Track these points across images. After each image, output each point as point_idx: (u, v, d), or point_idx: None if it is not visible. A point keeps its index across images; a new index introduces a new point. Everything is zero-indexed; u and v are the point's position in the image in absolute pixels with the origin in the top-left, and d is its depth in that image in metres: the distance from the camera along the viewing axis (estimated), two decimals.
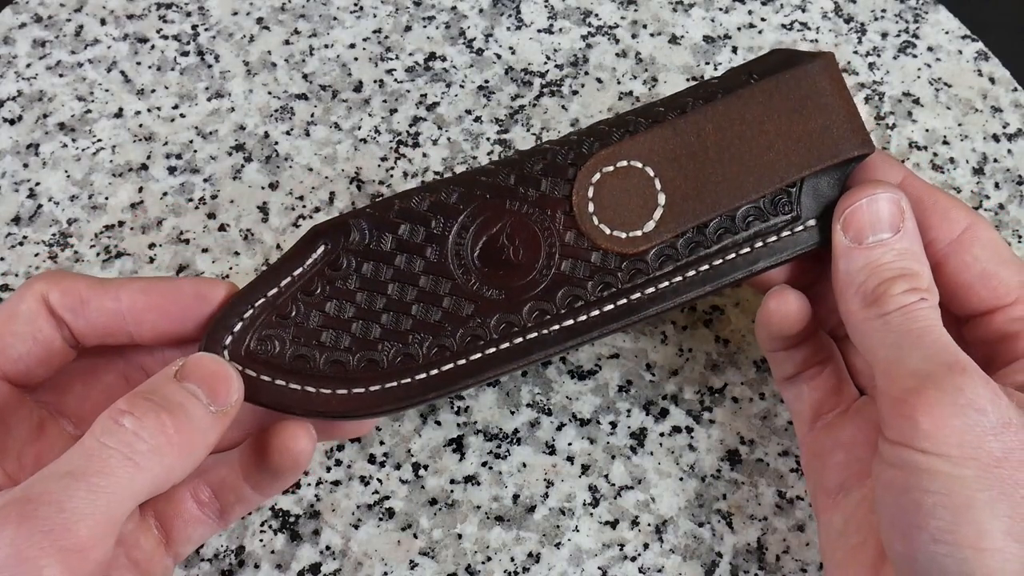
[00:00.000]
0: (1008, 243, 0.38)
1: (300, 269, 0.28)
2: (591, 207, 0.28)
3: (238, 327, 0.27)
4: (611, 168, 0.28)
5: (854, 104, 0.29)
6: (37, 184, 0.39)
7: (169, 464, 0.24)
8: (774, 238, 0.29)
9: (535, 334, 0.28)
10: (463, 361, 0.28)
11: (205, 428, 0.25)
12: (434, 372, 0.28)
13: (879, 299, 0.27)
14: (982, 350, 0.28)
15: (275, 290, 0.28)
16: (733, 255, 0.29)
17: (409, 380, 0.28)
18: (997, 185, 0.39)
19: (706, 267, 0.29)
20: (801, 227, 0.29)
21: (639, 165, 0.28)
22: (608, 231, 0.28)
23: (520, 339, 0.28)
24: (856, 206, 0.28)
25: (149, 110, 0.41)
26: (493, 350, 0.28)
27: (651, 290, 0.29)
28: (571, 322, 0.29)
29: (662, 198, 0.29)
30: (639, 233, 0.29)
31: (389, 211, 0.28)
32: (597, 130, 0.29)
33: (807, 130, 0.28)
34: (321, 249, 0.28)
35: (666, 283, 0.29)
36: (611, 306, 0.29)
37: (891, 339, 0.26)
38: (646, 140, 0.28)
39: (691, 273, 0.29)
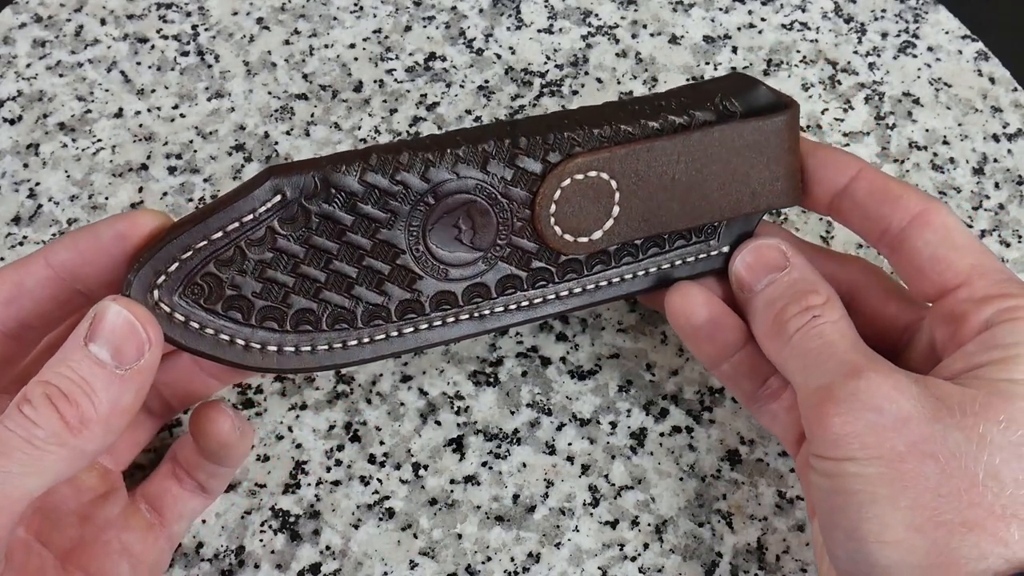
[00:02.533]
0: (1008, 242, 0.38)
1: (251, 216, 0.27)
2: (552, 208, 0.29)
3: (173, 267, 0.26)
4: (581, 176, 0.29)
5: (801, 159, 0.30)
6: (37, 184, 0.39)
7: (76, 445, 0.24)
8: (692, 259, 0.31)
9: (467, 316, 0.30)
10: (395, 333, 0.29)
11: (113, 397, 0.24)
12: (366, 340, 0.29)
13: (779, 328, 0.28)
14: (936, 336, 0.28)
15: (219, 234, 0.26)
16: (655, 268, 0.31)
17: (341, 345, 0.28)
18: (997, 185, 0.39)
19: (630, 276, 0.31)
20: (716, 252, 0.31)
21: (606, 178, 0.29)
22: (559, 232, 0.29)
23: (453, 318, 0.29)
24: (739, 262, 0.30)
25: (149, 110, 0.41)
26: (426, 326, 0.29)
27: (578, 289, 0.31)
28: (502, 309, 0.30)
29: (616, 211, 0.29)
30: (585, 239, 0.30)
31: (354, 171, 0.27)
32: (581, 124, 0.29)
33: (759, 177, 0.30)
34: (277, 199, 0.27)
35: (592, 285, 0.31)
36: (540, 299, 0.30)
37: (797, 362, 0.28)
38: (622, 156, 0.29)
39: (616, 279, 0.31)
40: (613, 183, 0.29)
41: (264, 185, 0.26)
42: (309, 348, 0.28)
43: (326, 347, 0.28)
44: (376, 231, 0.28)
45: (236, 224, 0.26)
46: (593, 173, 0.29)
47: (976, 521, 0.23)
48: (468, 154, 0.28)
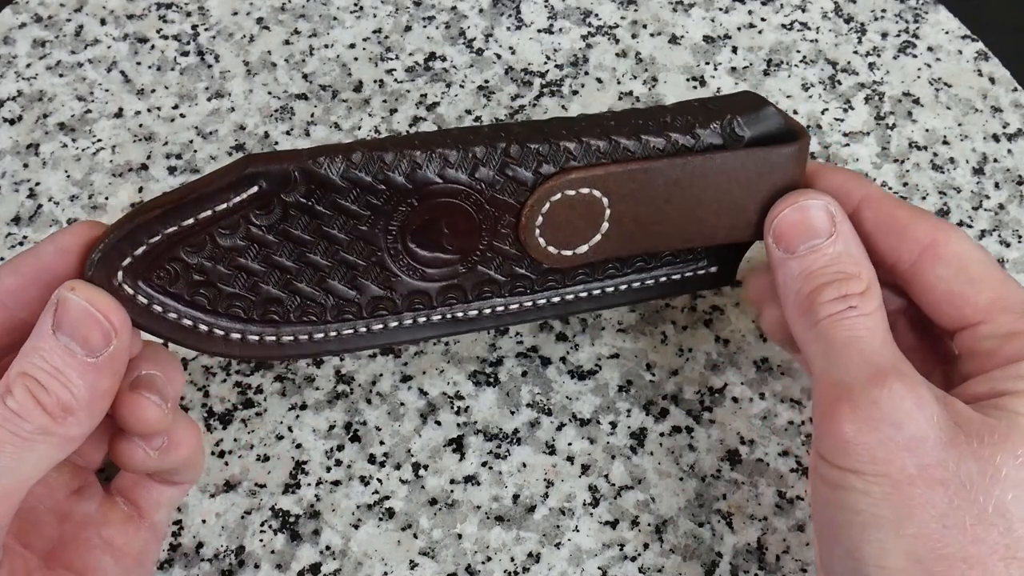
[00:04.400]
0: (1008, 242, 0.38)
1: (224, 205, 0.26)
2: (539, 220, 0.28)
3: (140, 251, 0.25)
4: (573, 192, 0.28)
5: (807, 183, 0.29)
6: (37, 184, 0.39)
7: (62, 433, 0.24)
8: (678, 276, 0.31)
9: (439, 316, 0.29)
10: (364, 329, 0.29)
11: (90, 384, 0.24)
12: (332, 333, 0.28)
13: (810, 307, 0.26)
14: (966, 364, 0.27)
15: (191, 221, 0.26)
16: (638, 283, 0.31)
17: (307, 337, 0.28)
18: (997, 185, 0.39)
19: (611, 289, 0.31)
20: (703, 271, 0.31)
21: (598, 195, 0.28)
22: (543, 244, 0.29)
23: (425, 318, 0.29)
24: (782, 216, 0.28)
25: (149, 110, 0.41)
26: (396, 323, 0.29)
27: (556, 299, 0.30)
28: (476, 312, 0.30)
29: (605, 227, 0.29)
30: (570, 253, 0.29)
31: (336, 167, 0.26)
32: (579, 136, 0.28)
33: (758, 208, 0.29)
34: (254, 189, 0.26)
35: (571, 296, 0.30)
36: (516, 305, 0.30)
37: (821, 349, 0.26)
38: (618, 175, 0.28)
39: (597, 291, 0.31)
40: (605, 200, 0.28)
41: (241, 174, 0.25)
42: (274, 338, 0.28)
43: (291, 338, 0.28)
44: (354, 227, 0.27)
45: (209, 212, 0.26)
46: (585, 190, 0.28)
47: (978, 558, 0.23)
48: (458, 159, 0.27)
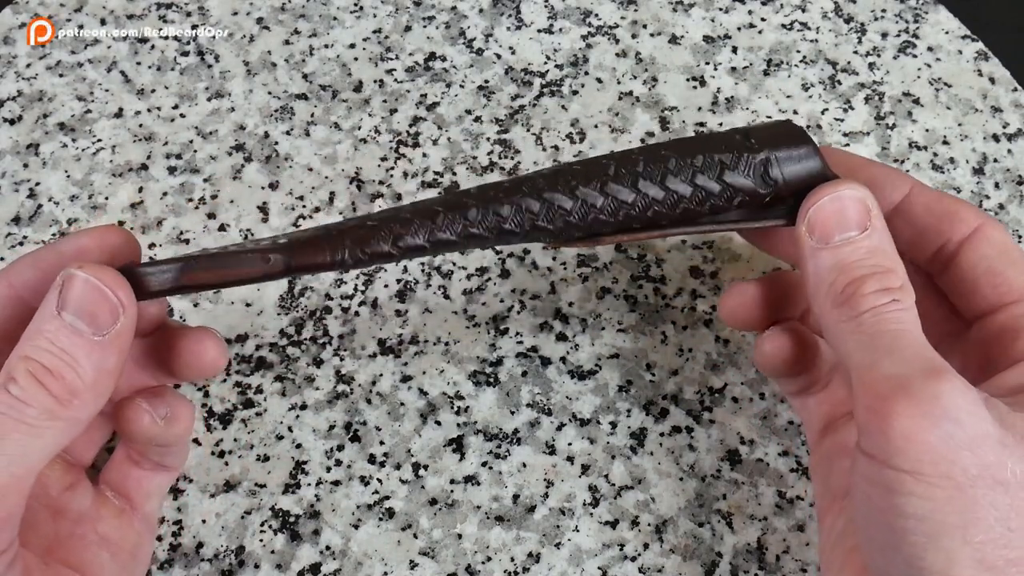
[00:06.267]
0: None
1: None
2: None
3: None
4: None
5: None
6: (37, 184, 0.39)
7: (69, 416, 0.24)
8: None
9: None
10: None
11: (96, 364, 0.24)
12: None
13: (849, 299, 0.25)
14: (986, 351, 0.27)
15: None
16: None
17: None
18: (997, 185, 0.39)
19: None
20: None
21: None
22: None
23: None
24: (818, 206, 0.27)
25: (149, 110, 0.41)
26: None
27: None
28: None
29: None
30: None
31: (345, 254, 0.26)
32: (616, 213, 0.27)
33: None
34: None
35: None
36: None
37: (864, 341, 0.25)
38: (645, 237, 0.29)
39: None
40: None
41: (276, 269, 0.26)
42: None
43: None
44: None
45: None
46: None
47: None
48: (485, 245, 0.28)
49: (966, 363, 0.28)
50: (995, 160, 0.40)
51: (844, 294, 0.26)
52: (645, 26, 0.44)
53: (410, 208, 0.27)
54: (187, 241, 0.38)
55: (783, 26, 0.44)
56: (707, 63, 0.42)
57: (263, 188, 0.39)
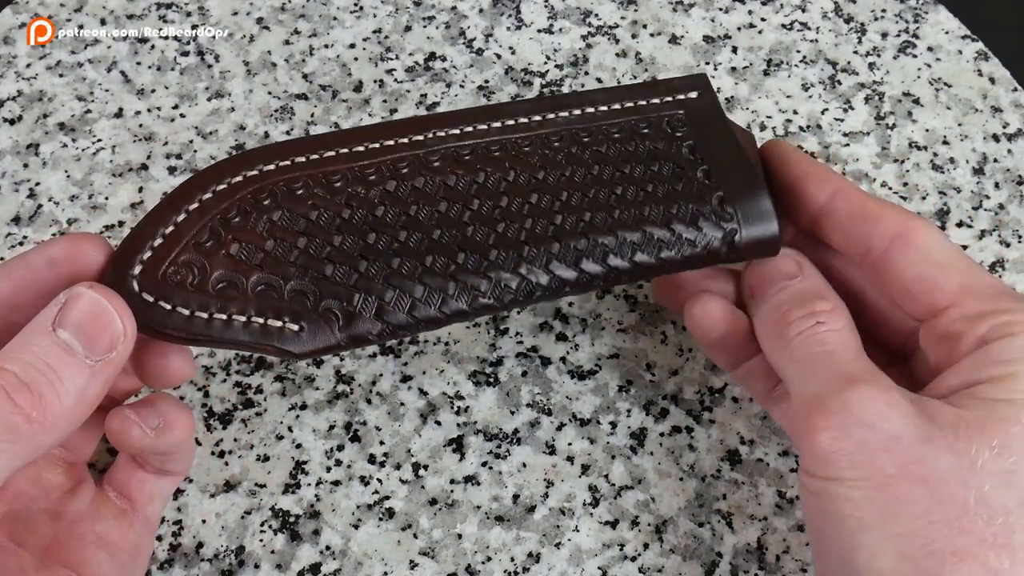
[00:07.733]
0: (1008, 242, 0.38)
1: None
2: None
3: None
4: None
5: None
6: (37, 184, 0.39)
7: (31, 439, 0.22)
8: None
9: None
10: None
11: (79, 388, 0.23)
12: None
13: (782, 329, 0.28)
14: (936, 353, 0.27)
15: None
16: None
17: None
18: (997, 185, 0.39)
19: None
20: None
21: None
22: None
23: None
24: (751, 270, 0.30)
25: (149, 110, 0.41)
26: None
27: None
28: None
29: None
30: None
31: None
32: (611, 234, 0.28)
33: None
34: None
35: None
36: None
37: (797, 369, 0.27)
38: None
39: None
40: None
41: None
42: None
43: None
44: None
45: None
46: None
47: (967, 550, 0.23)
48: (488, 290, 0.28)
49: (924, 360, 0.29)
50: (995, 160, 0.40)
51: (778, 326, 0.28)
52: (645, 26, 0.44)
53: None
54: None
55: (783, 26, 0.44)
56: (707, 63, 0.42)
57: None
